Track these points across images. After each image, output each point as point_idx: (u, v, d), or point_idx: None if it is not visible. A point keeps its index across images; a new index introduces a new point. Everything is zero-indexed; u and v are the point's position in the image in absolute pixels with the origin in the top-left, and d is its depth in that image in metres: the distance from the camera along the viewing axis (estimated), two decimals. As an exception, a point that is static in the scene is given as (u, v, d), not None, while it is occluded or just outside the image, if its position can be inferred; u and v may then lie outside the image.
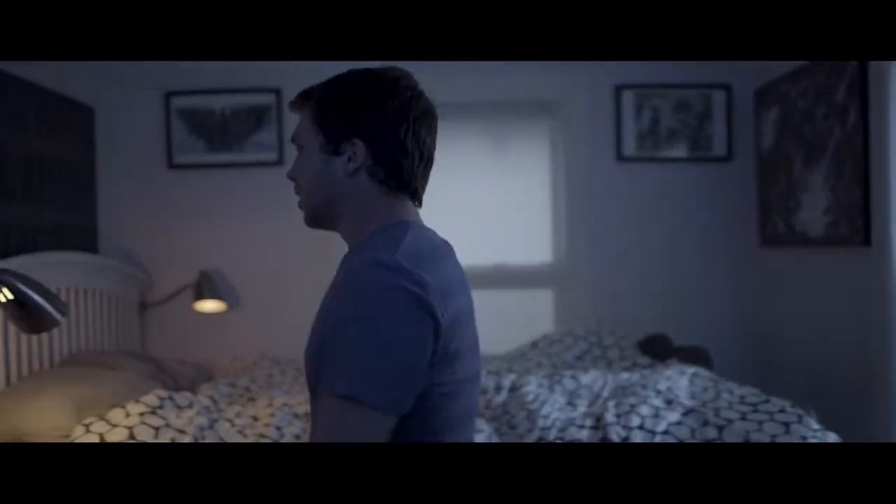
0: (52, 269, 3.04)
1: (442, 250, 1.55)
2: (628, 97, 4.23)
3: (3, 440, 2.45)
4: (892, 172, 2.96)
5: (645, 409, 2.67)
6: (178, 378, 3.38)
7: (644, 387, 2.88)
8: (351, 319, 1.34)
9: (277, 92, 4.18)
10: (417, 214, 1.61)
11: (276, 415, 2.68)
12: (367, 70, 1.55)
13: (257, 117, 4.17)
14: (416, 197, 1.59)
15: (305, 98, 1.58)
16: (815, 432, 2.53)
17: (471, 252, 4.20)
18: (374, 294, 1.35)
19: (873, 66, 3.08)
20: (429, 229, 1.59)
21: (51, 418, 2.52)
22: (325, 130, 1.52)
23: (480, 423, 2.76)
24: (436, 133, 1.60)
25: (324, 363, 1.37)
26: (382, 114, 1.50)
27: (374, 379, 1.33)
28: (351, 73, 1.55)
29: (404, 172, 1.53)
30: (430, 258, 1.45)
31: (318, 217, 1.59)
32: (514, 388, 3.04)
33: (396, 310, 1.35)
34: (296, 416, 2.73)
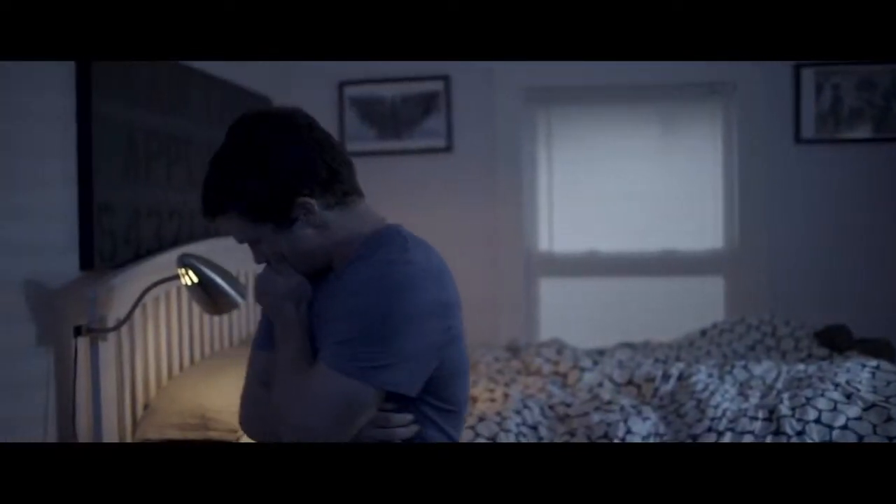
0: (233, 253, 3.14)
1: (429, 246, 1.64)
2: (808, 75, 4.04)
3: (186, 415, 2.59)
4: None
5: (822, 403, 2.55)
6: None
7: (821, 379, 2.75)
8: (383, 310, 1.46)
9: (446, 79, 4.22)
10: (384, 218, 1.68)
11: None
12: (238, 141, 1.57)
13: (426, 105, 4.24)
14: (359, 191, 1.65)
15: (217, 213, 1.58)
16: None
17: (640, 237, 4.17)
18: (401, 287, 1.47)
19: None
20: (410, 232, 1.65)
21: (232, 397, 2.64)
22: (263, 219, 1.55)
23: (647, 411, 2.72)
24: (322, 133, 1.61)
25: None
26: (305, 159, 1.54)
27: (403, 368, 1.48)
28: (229, 154, 1.57)
29: (345, 182, 1.59)
30: (430, 251, 1.61)
31: (311, 268, 1.63)
32: (682, 377, 2.98)
33: (418, 303, 1.48)
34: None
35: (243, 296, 2.51)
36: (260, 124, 1.57)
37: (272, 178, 1.52)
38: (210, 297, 2.45)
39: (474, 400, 2.77)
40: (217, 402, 2.62)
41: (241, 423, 1.75)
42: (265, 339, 1.68)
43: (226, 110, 3.53)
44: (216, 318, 3.12)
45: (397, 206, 4.25)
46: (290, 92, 4.24)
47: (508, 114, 4.22)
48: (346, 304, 1.49)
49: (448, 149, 4.23)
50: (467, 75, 4.23)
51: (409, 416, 1.54)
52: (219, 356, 3.01)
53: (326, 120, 4.23)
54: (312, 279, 1.64)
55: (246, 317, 3.41)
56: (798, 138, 4.06)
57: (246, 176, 1.53)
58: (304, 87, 4.27)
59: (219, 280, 2.44)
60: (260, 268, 1.66)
